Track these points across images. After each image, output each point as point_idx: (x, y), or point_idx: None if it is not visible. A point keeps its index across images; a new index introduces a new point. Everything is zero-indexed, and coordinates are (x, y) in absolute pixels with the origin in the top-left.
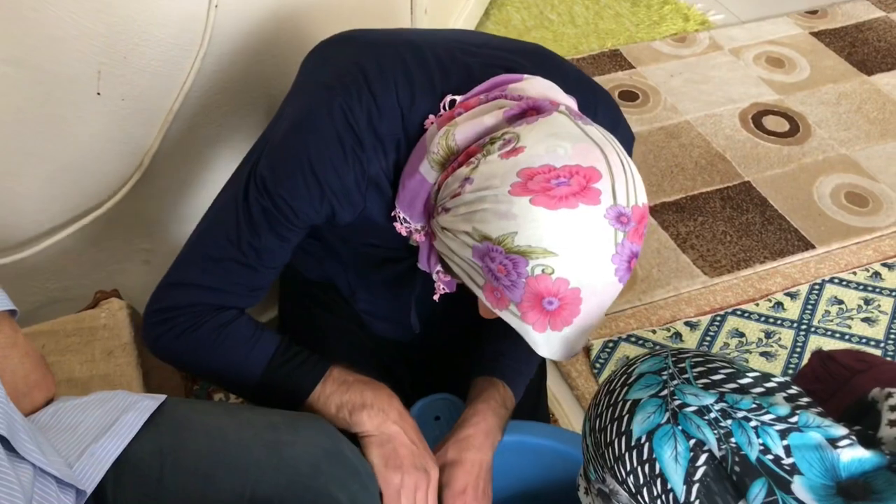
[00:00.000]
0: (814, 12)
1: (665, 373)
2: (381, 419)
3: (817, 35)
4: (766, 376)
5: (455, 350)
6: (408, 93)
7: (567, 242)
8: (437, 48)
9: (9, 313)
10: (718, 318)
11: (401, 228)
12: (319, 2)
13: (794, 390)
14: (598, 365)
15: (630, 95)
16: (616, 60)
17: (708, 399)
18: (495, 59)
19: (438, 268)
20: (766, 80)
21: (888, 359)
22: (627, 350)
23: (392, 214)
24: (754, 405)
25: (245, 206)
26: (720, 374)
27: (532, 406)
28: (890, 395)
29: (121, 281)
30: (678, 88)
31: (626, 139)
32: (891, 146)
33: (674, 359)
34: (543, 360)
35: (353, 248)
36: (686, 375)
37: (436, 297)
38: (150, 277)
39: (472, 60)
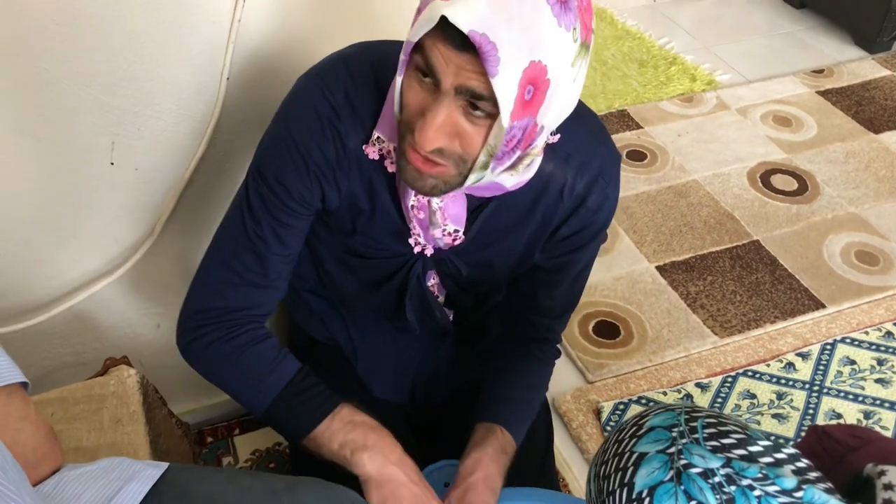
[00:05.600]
0: (820, 71)
1: (675, 430)
2: (381, 462)
3: (824, 94)
4: (777, 447)
5: (458, 414)
6: (386, 69)
7: None
8: None
9: (21, 385)
10: (729, 380)
11: (373, 152)
12: None
13: (803, 464)
14: (608, 428)
15: (638, 155)
16: (624, 120)
17: (714, 462)
18: None
19: (412, 200)
20: (773, 139)
21: (883, 434)
22: (638, 412)
23: (369, 143)
24: (761, 475)
25: (246, 199)
26: (731, 438)
27: (538, 468)
28: (883, 472)
29: (132, 345)
30: (686, 148)
31: (611, 153)
32: None
33: (686, 416)
34: (549, 424)
35: (346, 265)
36: (696, 435)
37: (428, 252)
38: (162, 341)
39: None
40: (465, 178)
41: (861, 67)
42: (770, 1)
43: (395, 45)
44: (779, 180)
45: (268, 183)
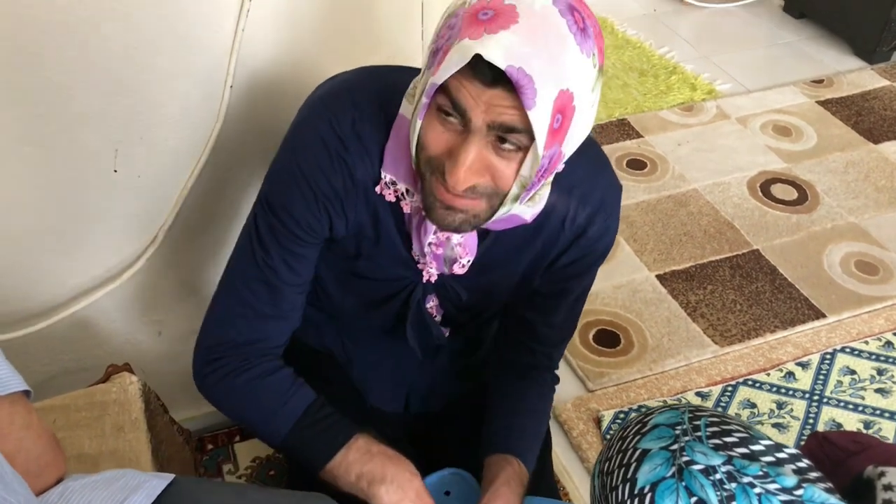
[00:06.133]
0: (820, 81)
1: (679, 427)
2: (399, 497)
3: (823, 104)
4: (779, 446)
5: (454, 422)
6: (391, 98)
7: None
8: None
9: (23, 394)
10: (729, 389)
11: (389, 195)
12: None
13: (804, 463)
14: (608, 436)
15: (638, 164)
16: (624, 129)
17: (716, 460)
18: None
19: (431, 237)
20: (773, 149)
21: (883, 440)
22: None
23: (379, 185)
24: (761, 472)
25: (256, 229)
26: (733, 436)
27: (536, 477)
28: (883, 473)
29: (134, 352)
30: (686, 157)
31: (613, 185)
32: None
33: (690, 415)
34: (547, 432)
35: (347, 285)
36: (699, 433)
37: (430, 276)
38: (162, 349)
39: None
40: (495, 211)
41: (861, 77)
42: (770, 11)
43: (400, 72)
44: (779, 190)
45: (276, 213)
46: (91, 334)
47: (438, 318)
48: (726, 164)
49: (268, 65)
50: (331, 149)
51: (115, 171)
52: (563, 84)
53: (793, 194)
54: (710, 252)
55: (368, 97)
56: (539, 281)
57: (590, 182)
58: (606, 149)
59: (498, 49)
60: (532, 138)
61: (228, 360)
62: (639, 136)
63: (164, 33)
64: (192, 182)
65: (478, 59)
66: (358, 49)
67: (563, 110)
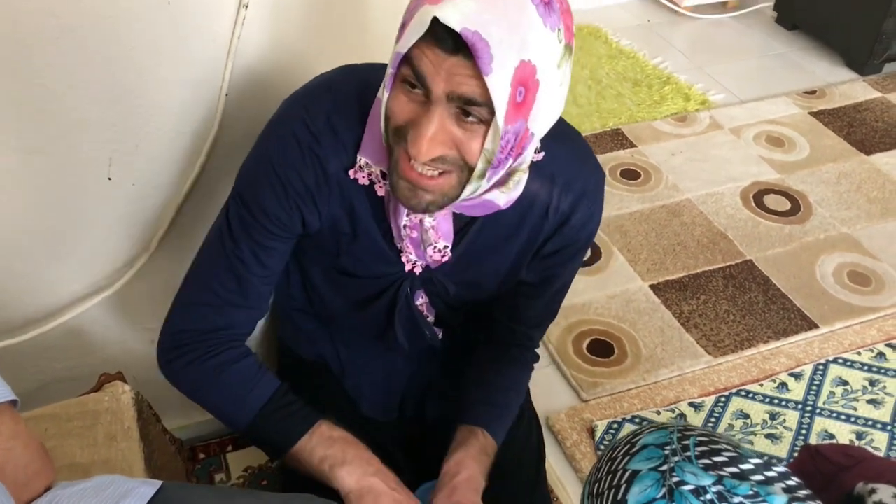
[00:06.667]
0: (812, 92)
1: (668, 448)
2: (360, 474)
3: (816, 115)
4: (769, 465)
5: (448, 429)
6: (369, 92)
7: None
8: None
9: (10, 403)
10: (723, 399)
11: (363, 178)
12: None
13: (793, 482)
14: (602, 447)
15: (632, 174)
16: (618, 139)
17: (706, 480)
18: None
19: (404, 220)
20: (766, 159)
21: (875, 453)
22: (631, 431)
23: (353, 168)
24: (751, 492)
25: (227, 220)
26: (723, 456)
27: (530, 488)
28: (873, 490)
29: (126, 360)
30: (679, 167)
31: (596, 173)
32: (892, 225)
33: (679, 435)
34: (541, 442)
35: (335, 285)
36: (688, 453)
37: (414, 268)
38: (155, 357)
39: None
40: (464, 188)
41: (852, 89)
42: (763, 22)
43: (380, 68)
44: (771, 200)
45: (248, 206)
46: (84, 342)
47: (431, 318)
48: (719, 174)
49: (263, 72)
50: (302, 144)
51: (109, 178)
52: (525, 55)
53: (786, 205)
54: (703, 262)
55: (346, 92)
56: (525, 271)
57: (572, 170)
58: (600, 158)
59: (455, 13)
60: (494, 112)
61: (195, 346)
62: (632, 146)
63: (160, 40)
64: (187, 190)
65: (437, 25)
66: (354, 54)
67: (526, 83)
